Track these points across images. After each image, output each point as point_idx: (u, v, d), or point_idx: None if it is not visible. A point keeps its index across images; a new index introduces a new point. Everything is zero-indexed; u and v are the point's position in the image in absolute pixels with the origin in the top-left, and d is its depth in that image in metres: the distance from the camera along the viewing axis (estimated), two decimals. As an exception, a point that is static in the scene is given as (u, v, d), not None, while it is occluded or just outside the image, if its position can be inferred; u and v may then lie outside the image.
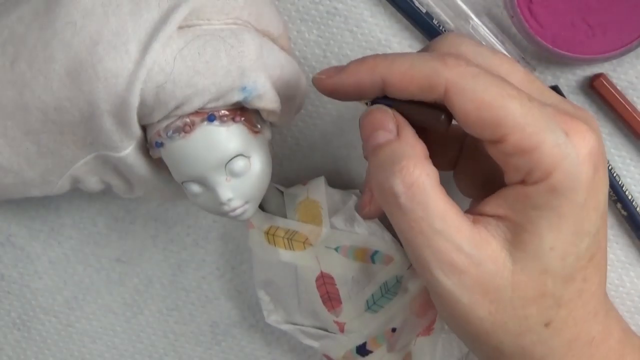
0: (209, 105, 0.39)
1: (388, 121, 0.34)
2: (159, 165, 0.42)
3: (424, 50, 0.36)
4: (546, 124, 0.32)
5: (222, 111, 0.39)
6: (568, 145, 0.32)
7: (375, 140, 0.34)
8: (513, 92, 0.32)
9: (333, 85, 0.36)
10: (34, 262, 0.52)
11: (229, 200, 0.40)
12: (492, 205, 0.34)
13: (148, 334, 0.53)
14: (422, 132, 0.35)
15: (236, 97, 0.39)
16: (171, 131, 0.39)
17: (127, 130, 0.39)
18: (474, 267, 0.32)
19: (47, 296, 0.53)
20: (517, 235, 0.33)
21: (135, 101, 0.37)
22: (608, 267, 0.50)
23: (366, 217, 0.39)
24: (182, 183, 0.40)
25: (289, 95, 0.41)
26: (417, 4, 0.46)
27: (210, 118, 0.39)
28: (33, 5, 0.39)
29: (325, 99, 0.49)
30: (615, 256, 0.50)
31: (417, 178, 0.32)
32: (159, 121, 0.39)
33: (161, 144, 0.39)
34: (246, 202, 0.40)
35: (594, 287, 0.35)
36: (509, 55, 0.35)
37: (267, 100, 0.40)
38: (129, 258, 0.52)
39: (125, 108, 0.38)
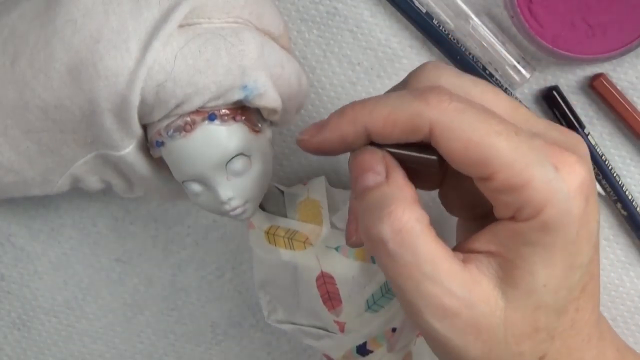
0: (210, 104, 0.39)
1: (377, 163, 0.33)
2: (159, 164, 0.42)
3: (402, 84, 0.35)
4: (535, 158, 0.31)
5: (223, 110, 0.39)
6: (558, 180, 0.31)
7: (364, 182, 0.33)
8: (499, 128, 0.31)
9: (317, 144, 0.34)
10: (34, 262, 0.52)
11: (230, 199, 0.40)
12: (482, 241, 0.33)
13: (148, 334, 0.53)
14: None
15: (237, 95, 0.39)
16: (172, 130, 0.39)
17: (128, 129, 0.39)
18: (465, 309, 0.32)
19: (47, 296, 0.53)
20: (508, 272, 0.32)
21: (135, 100, 0.37)
22: (608, 267, 0.50)
23: (354, 246, 0.38)
24: (182, 182, 0.40)
25: (290, 94, 0.41)
26: (417, 4, 0.46)
27: (211, 117, 0.39)
28: (34, 3, 0.39)
29: (326, 99, 0.49)
30: (615, 256, 0.50)
31: (406, 223, 0.31)
32: (159, 120, 0.39)
33: (162, 143, 0.39)
34: (246, 202, 0.40)
35: (587, 314, 0.34)
36: (491, 82, 0.34)
37: (268, 99, 0.39)
38: (129, 258, 0.52)
39: (125, 107, 0.38)
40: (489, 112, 0.31)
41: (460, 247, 0.34)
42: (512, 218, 0.32)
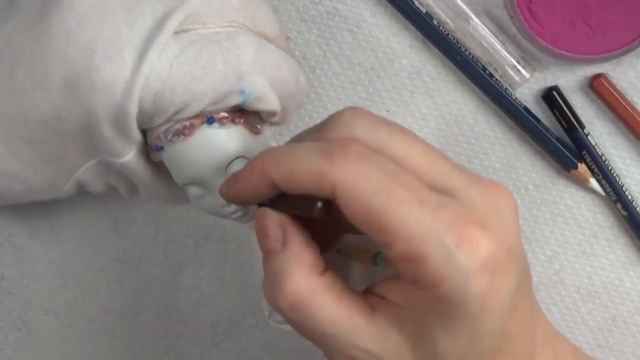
0: (208, 109, 0.39)
1: (272, 228, 0.33)
2: (160, 169, 0.42)
3: (318, 128, 0.34)
4: (435, 234, 0.30)
5: (222, 113, 0.39)
6: (457, 258, 0.30)
7: (263, 248, 0.33)
8: (404, 196, 0.30)
9: (234, 195, 0.34)
10: (34, 262, 0.52)
11: (230, 207, 0.39)
12: (393, 291, 0.32)
13: (148, 334, 0.53)
14: None
15: (235, 100, 0.39)
16: (171, 135, 0.39)
17: (127, 137, 0.39)
18: None
19: (47, 296, 0.53)
20: (415, 329, 0.32)
21: (133, 110, 0.37)
22: (608, 267, 0.50)
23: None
24: (183, 186, 0.40)
25: (288, 95, 0.41)
26: (417, 4, 0.46)
27: (210, 120, 0.39)
28: (29, 13, 0.39)
29: (326, 99, 0.49)
30: (615, 256, 0.50)
31: (300, 296, 0.31)
32: (158, 125, 0.39)
33: (161, 148, 0.39)
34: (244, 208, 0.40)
35: (516, 357, 0.34)
36: (408, 130, 0.33)
37: (267, 102, 0.39)
38: (129, 258, 0.52)
39: (124, 117, 0.38)
40: (397, 176, 0.30)
41: (373, 289, 0.33)
42: (413, 283, 0.31)
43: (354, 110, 0.33)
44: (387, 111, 0.49)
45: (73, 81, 0.37)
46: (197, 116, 0.39)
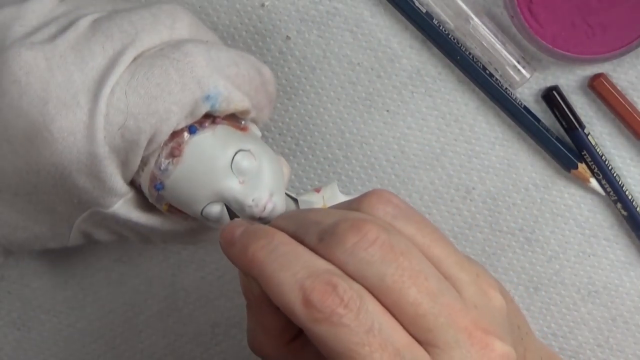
0: (179, 127, 0.38)
1: (250, 289, 0.34)
2: (162, 213, 0.40)
3: (349, 204, 0.34)
4: None
5: (200, 119, 0.38)
6: None
7: (245, 295, 0.34)
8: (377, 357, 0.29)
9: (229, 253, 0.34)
10: (34, 262, 0.52)
11: (254, 200, 0.38)
12: None
13: (148, 334, 0.53)
14: None
15: (203, 108, 0.37)
16: (163, 164, 0.38)
17: (104, 184, 0.37)
18: None
19: (47, 296, 0.53)
20: None
21: (102, 151, 0.36)
22: (608, 267, 0.50)
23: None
24: (201, 213, 0.38)
25: (255, 89, 0.40)
26: (417, 4, 0.46)
27: (192, 130, 0.38)
28: None
29: (325, 98, 0.49)
30: (615, 256, 0.50)
31: (268, 356, 0.33)
32: (144, 169, 0.38)
33: (161, 184, 0.38)
34: (271, 194, 0.38)
35: None
36: (429, 223, 0.33)
37: (235, 101, 0.38)
38: (129, 258, 0.52)
39: (94, 162, 0.36)
40: (372, 333, 0.30)
41: None
42: None
43: (383, 193, 0.33)
44: (387, 111, 0.49)
45: (33, 134, 0.36)
46: (177, 133, 0.38)
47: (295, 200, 0.44)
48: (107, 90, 0.36)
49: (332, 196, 0.45)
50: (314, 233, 0.31)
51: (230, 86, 0.38)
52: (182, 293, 0.52)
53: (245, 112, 0.40)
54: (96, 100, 0.36)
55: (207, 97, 0.37)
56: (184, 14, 0.40)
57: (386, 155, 0.49)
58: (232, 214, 0.38)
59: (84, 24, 0.38)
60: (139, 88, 0.36)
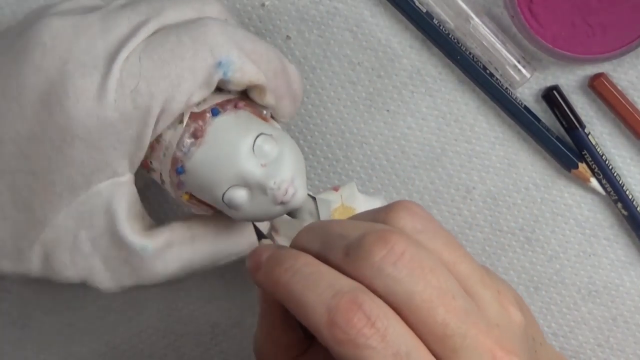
0: (196, 99, 0.37)
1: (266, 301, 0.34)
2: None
3: (374, 214, 0.33)
4: None
5: (221, 101, 0.38)
6: None
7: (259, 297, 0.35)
8: None
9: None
10: (34, 262, 0.52)
11: (276, 182, 0.37)
12: None
13: (148, 334, 0.53)
14: None
15: (216, 76, 0.37)
16: (185, 145, 0.38)
17: (102, 154, 0.37)
18: None
19: (47, 296, 0.53)
20: None
21: (110, 115, 0.36)
22: (608, 267, 0.50)
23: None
24: (222, 199, 0.38)
25: (273, 71, 0.40)
26: (417, 4, 0.46)
27: (214, 112, 0.38)
28: (8, 38, 0.39)
29: (325, 98, 0.49)
30: (615, 256, 0.50)
31: None
32: (165, 155, 0.38)
33: (182, 168, 0.38)
34: (293, 178, 0.38)
35: None
36: (454, 239, 0.33)
37: (250, 73, 0.38)
38: (129, 258, 0.52)
39: (100, 128, 0.36)
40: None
41: None
42: None
43: (410, 207, 0.32)
44: (387, 111, 0.49)
45: (47, 93, 0.36)
46: (200, 114, 0.38)
47: (314, 199, 0.44)
48: (123, 55, 0.36)
49: (350, 195, 0.44)
50: (339, 247, 0.31)
51: (245, 58, 0.38)
52: (182, 293, 0.52)
53: (261, 92, 0.39)
54: (110, 64, 0.36)
55: (220, 64, 0.37)
56: (216, 1, 0.40)
57: (386, 155, 0.49)
58: (260, 234, 0.38)
59: (115, 3, 0.39)
60: (152, 54, 0.37)
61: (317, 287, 0.30)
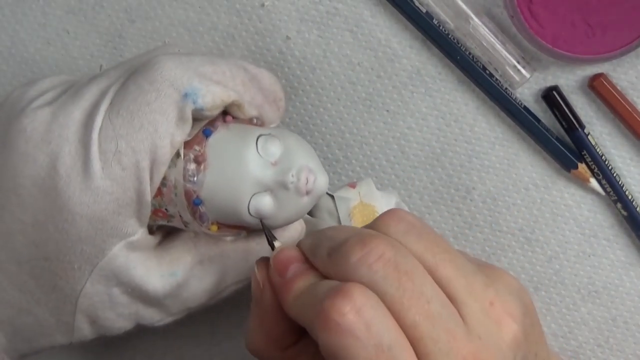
0: (179, 139, 0.37)
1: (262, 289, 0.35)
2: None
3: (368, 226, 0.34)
4: None
5: (209, 121, 0.38)
6: None
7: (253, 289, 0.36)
8: None
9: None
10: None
11: (293, 174, 0.37)
12: None
13: (148, 334, 0.53)
14: None
15: (187, 108, 0.37)
16: (192, 174, 0.37)
17: (106, 224, 0.37)
18: None
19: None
20: None
21: (100, 184, 0.36)
22: (608, 267, 0.50)
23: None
24: (249, 213, 0.37)
25: (242, 83, 0.39)
26: (417, 4, 0.46)
27: (207, 132, 0.38)
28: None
29: (325, 98, 0.49)
30: (615, 256, 0.50)
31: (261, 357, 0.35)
32: (176, 195, 0.38)
33: (199, 198, 0.37)
34: (309, 166, 0.37)
35: None
36: (442, 242, 0.33)
37: (218, 93, 0.37)
38: (129, 258, 0.52)
39: (95, 200, 0.36)
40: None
41: None
42: None
43: (400, 214, 0.33)
44: (387, 111, 0.49)
45: (39, 177, 0.36)
46: (193, 140, 0.37)
47: (332, 197, 0.44)
48: (98, 119, 0.36)
49: (368, 192, 0.44)
50: (325, 248, 0.32)
51: (207, 81, 0.37)
52: (182, 293, 0.52)
53: (240, 107, 0.39)
54: (90, 133, 0.36)
55: (186, 95, 0.37)
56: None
57: (386, 155, 0.49)
58: (270, 238, 0.37)
59: (91, 75, 0.40)
60: (119, 109, 0.36)
61: (315, 294, 0.32)
